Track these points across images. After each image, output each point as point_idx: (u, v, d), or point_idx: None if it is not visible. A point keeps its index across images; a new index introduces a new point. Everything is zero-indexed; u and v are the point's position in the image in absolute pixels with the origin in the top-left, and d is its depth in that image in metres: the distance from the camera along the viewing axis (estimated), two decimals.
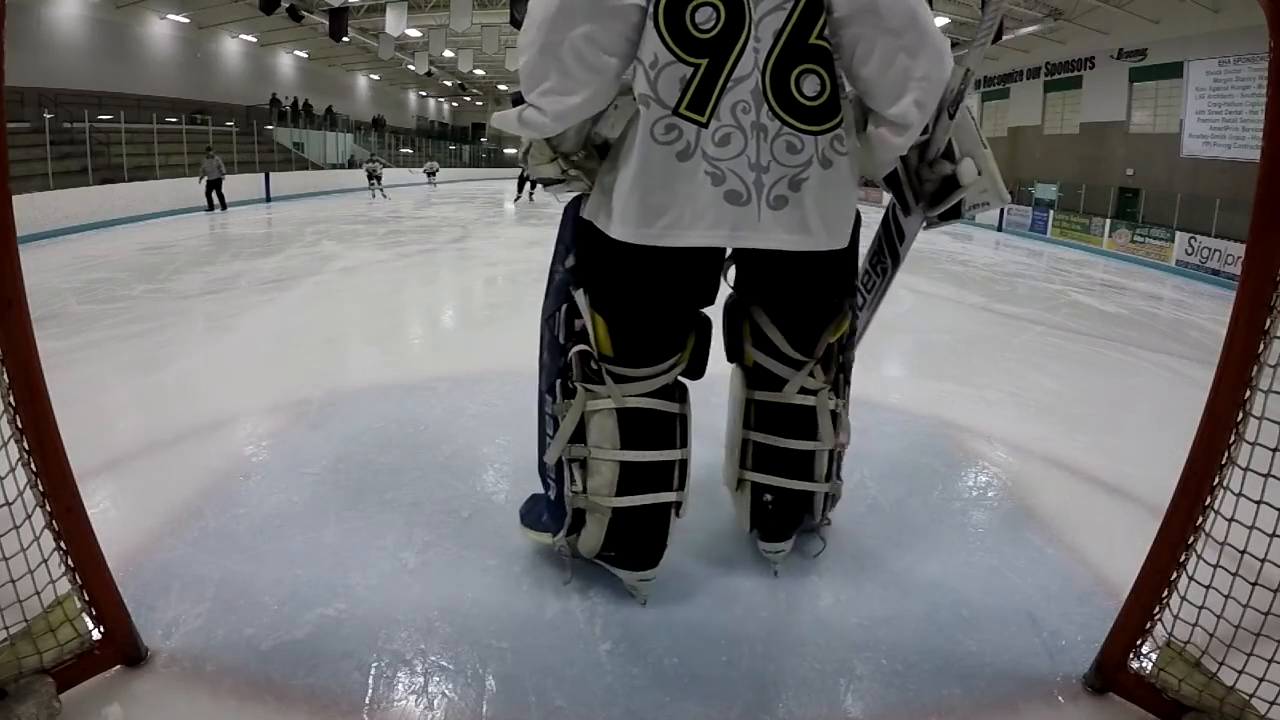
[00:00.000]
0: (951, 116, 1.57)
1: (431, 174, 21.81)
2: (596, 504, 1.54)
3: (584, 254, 1.51)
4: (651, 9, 1.28)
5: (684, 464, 1.58)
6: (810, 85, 1.33)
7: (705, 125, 1.30)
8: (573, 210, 1.58)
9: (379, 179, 16.58)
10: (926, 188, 1.67)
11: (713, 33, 1.28)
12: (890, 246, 1.91)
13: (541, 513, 1.70)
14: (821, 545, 1.88)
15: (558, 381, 1.57)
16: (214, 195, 11.62)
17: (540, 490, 1.76)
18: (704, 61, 1.29)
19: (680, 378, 1.60)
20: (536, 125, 1.38)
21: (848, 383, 1.76)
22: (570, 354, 1.52)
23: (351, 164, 21.35)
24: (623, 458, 1.51)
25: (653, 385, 1.53)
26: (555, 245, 1.63)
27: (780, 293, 1.58)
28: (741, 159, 1.32)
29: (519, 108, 1.39)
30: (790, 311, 1.60)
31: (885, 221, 1.90)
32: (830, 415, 1.66)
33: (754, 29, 1.30)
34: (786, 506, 1.74)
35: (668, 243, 1.35)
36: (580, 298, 1.50)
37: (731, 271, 1.62)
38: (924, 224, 1.78)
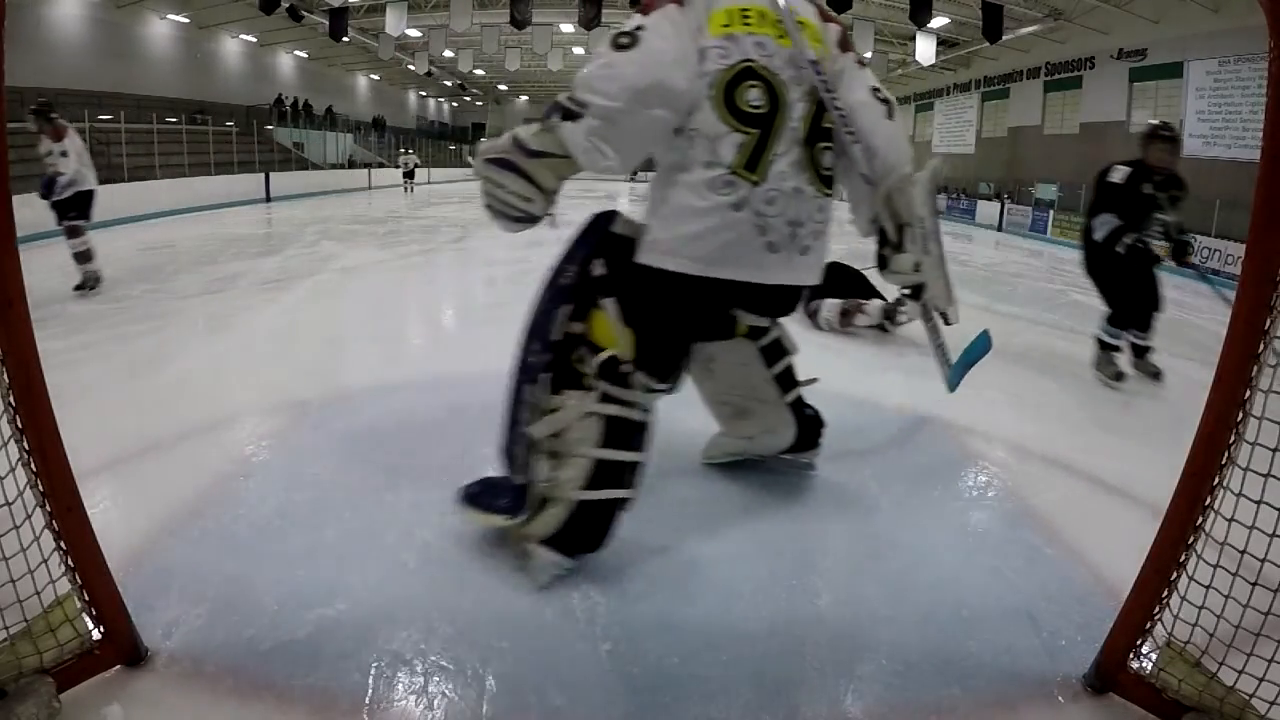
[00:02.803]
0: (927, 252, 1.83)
1: (409, 173, 19.13)
2: (563, 495, 1.66)
3: (621, 271, 1.68)
4: (710, 93, 1.56)
5: (643, 466, 1.74)
6: (827, 159, 1.67)
7: (757, 185, 1.57)
8: (602, 221, 1.74)
9: (412, 175, 16.44)
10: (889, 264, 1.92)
11: (761, 110, 1.57)
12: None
13: (496, 497, 1.78)
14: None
15: (545, 375, 1.67)
16: None
17: (490, 475, 1.88)
18: (756, 132, 1.57)
19: None
20: (587, 159, 1.58)
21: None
22: (600, 358, 1.65)
23: (351, 164, 21.34)
24: (599, 455, 1.65)
25: (656, 398, 1.73)
26: (569, 248, 1.73)
27: (763, 302, 1.80)
28: (781, 217, 1.60)
29: (571, 126, 1.55)
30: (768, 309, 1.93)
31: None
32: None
33: (789, 111, 1.59)
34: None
35: (714, 274, 1.60)
36: (611, 307, 1.67)
37: None
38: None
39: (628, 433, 1.68)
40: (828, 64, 1.67)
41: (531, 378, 1.69)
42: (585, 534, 1.69)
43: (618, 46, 1.56)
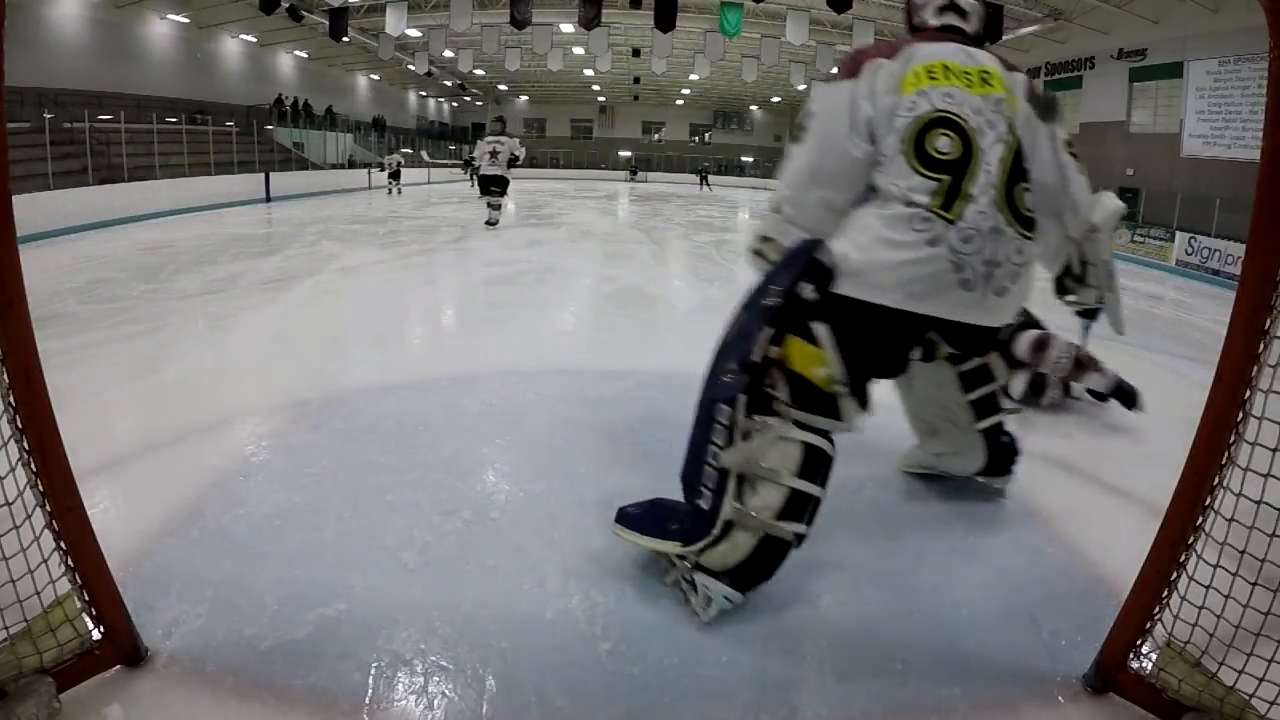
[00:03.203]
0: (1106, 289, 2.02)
1: (394, 174, 17.81)
2: (758, 522, 1.59)
3: (829, 298, 1.67)
4: (902, 147, 1.63)
5: (820, 503, 1.67)
6: (1027, 199, 1.67)
7: (953, 223, 1.59)
8: (809, 246, 1.72)
9: (398, 176, 16.49)
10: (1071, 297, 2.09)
11: (950, 156, 1.61)
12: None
13: (674, 521, 1.71)
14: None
15: (741, 396, 1.62)
16: None
17: (667, 503, 1.81)
18: (947, 178, 1.61)
19: None
20: (779, 235, 1.83)
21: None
22: (803, 383, 1.63)
23: (351, 164, 21.33)
24: (795, 485, 1.60)
25: (848, 429, 1.69)
26: (775, 270, 1.74)
27: (958, 339, 1.82)
28: (977, 256, 1.60)
29: (776, 217, 1.83)
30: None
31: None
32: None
33: (983, 156, 1.62)
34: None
35: (909, 308, 1.61)
36: (824, 332, 1.63)
37: None
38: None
39: (822, 464, 1.63)
40: (1018, 111, 1.71)
41: (728, 398, 1.63)
42: (765, 567, 1.63)
43: (793, 139, 1.81)
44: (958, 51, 1.72)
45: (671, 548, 1.67)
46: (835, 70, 1.88)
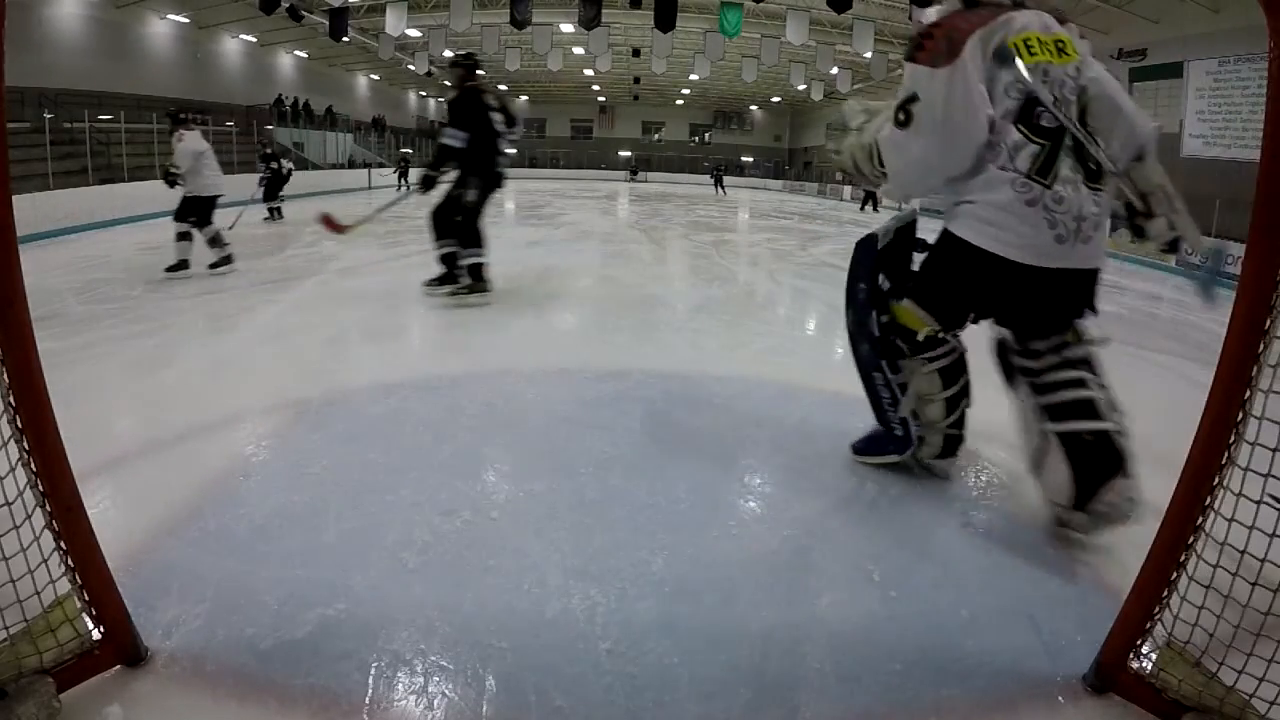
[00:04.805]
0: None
1: (402, 169, 17.85)
2: (939, 427, 2.26)
3: (903, 276, 2.28)
4: (1011, 118, 1.86)
5: (969, 380, 2.28)
6: (1092, 152, 1.85)
7: (1049, 187, 1.84)
8: (869, 244, 2.24)
9: (406, 173, 16.57)
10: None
11: (1052, 126, 1.85)
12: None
13: (884, 445, 2.39)
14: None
15: (883, 361, 2.25)
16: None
17: (877, 431, 2.44)
18: (1048, 144, 1.85)
19: None
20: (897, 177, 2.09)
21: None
22: (920, 336, 2.14)
23: (351, 164, 21.33)
24: (947, 394, 2.21)
25: (959, 344, 2.24)
26: (854, 271, 2.26)
27: (1035, 307, 2.06)
28: (1068, 213, 1.86)
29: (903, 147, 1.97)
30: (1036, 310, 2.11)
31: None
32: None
33: (1072, 125, 1.84)
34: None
35: (1014, 257, 1.88)
36: (908, 304, 2.13)
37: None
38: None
39: (957, 371, 2.21)
40: (1085, 65, 1.94)
41: (875, 367, 2.28)
42: (953, 445, 2.32)
43: (897, 123, 1.94)
44: (1036, 20, 1.91)
45: (894, 459, 2.38)
46: (920, 48, 1.89)
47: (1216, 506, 1.24)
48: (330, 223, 5.06)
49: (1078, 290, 2.00)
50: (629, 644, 1.51)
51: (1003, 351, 2.26)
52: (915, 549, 1.94)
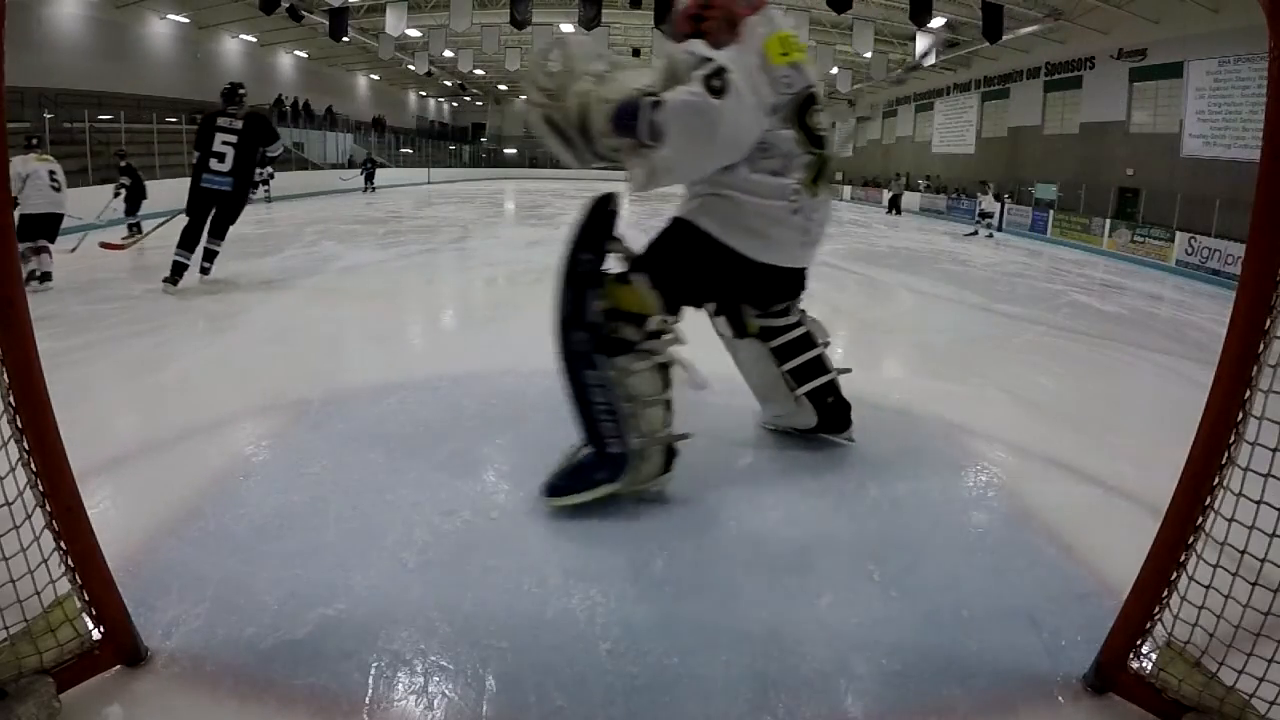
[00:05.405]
0: None
1: (368, 172, 17.89)
2: (658, 438, 1.96)
3: (661, 252, 2.06)
4: (792, 116, 1.85)
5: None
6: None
7: (816, 196, 1.94)
8: (604, 203, 1.97)
9: (372, 176, 16.63)
10: None
11: (825, 133, 1.91)
12: None
13: (591, 473, 1.99)
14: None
15: (597, 355, 1.89)
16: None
17: (580, 461, 2.05)
18: (821, 153, 1.91)
19: None
20: (649, 182, 1.88)
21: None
22: (650, 324, 1.91)
23: (351, 164, 21.34)
24: (668, 396, 1.97)
25: (675, 339, 2.02)
26: (579, 237, 1.93)
27: (765, 290, 2.23)
28: (817, 219, 2.01)
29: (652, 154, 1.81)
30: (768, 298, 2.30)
31: None
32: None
33: (832, 130, 1.92)
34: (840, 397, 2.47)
35: (768, 260, 1.98)
36: (641, 280, 1.91)
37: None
38: None
39: (668, 368, 2.00)
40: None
41: (588, 363, 1.89)
42: (670, 458, 2.05)
43: (711, 90, 1.73)
44: (779, 16, 1.94)
45: (607, 490, 1.96)
46: (703, 20, 1.85)
47: (1216, 506, 1.25)
48: (110, 245, 6.25)
49: (799, 279, 2.21)
50: (629, 644, 1.51)
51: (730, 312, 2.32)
52: (915, 549, 1.94)
